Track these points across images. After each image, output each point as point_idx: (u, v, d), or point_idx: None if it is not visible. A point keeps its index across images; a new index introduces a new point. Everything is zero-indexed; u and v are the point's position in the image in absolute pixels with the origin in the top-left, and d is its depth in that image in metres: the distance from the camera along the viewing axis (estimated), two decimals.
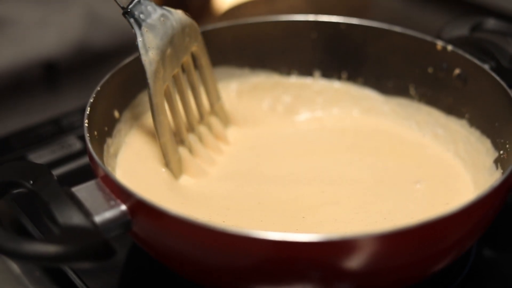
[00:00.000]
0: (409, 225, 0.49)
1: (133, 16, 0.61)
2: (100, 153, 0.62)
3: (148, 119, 0.68)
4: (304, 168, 0.69)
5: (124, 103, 0.68)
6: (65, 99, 0.94)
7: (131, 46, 0.62)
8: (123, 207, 0.53)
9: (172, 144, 0.65)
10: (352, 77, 0.77)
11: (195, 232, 0.50)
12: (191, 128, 0.69)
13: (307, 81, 0.78)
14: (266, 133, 0.74)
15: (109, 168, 0.62)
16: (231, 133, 0.73)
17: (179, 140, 0.67)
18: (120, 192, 0.53)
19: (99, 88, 0.63)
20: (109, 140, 0.65)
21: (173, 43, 0.63)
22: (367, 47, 0.75)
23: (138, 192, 0.52)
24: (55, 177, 0.53)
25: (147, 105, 0.63)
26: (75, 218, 0.50)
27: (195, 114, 0.70)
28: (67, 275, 0.62)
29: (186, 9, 0.66)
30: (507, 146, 0.63)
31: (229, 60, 0.77)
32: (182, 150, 0.67)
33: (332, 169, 0.68)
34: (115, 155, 0.65)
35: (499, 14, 0.99)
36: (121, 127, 0.67)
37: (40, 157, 0.76)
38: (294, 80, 0.78)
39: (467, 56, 0.68)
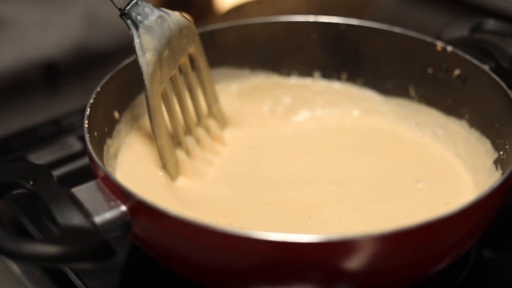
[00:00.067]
0: (409, 225, 0.49)
1: (130, 17, 0.61)
2: (100, 153, 0.62)
3: (148, 120, 0.68)
4: (306, 168, 0.69)
5: (124, 104, 0.68)
6: (65, 99, 0.94)
7: (131, 47, 0.62)
8: (123, 208, 0.53)
9: (169, 146, 0.65)
10: (352, 78, 0.77)
11: (195, 232, 0.50)
12: (188, 130, 0.69)
13: (307, 81, 0.78)
14: (266, 134, 0.74)
15: (109, 169, 0.62)
16: (230, 134, 0.73)
17: (177, 142, 0.67)
18: (120, 193, 0.53)
19: (99, 89, 0.63)
20: (109, 141, 0.65)
21: (170, 45, 0.63)
22: (367, 48, 0.75)
23: (139, 193, 0.52)
24: (55, 178, 0.53)
25: None
26: (75, 219, 0.50)
27: (193, 116, 0.70)
28: (67, 276, 0.62)
29: (187, 9, 0.66)
30: (507, 146, 0.63)
31: (229, 60, 0.77)
32: (180, 152, 0.67)
33: (334, 169, 0.69)
34: (115, 156, 0.65)
35: (499, 15, 0.99)
36: (121, 127, 0.67)
37: (40, 157, 0.76)
38: (294, 81, 0.78)
39: (467, 56, 0.68)
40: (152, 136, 0.64)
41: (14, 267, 0.64)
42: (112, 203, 0.53)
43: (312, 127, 0.76)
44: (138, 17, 0.61)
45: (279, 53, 0.77)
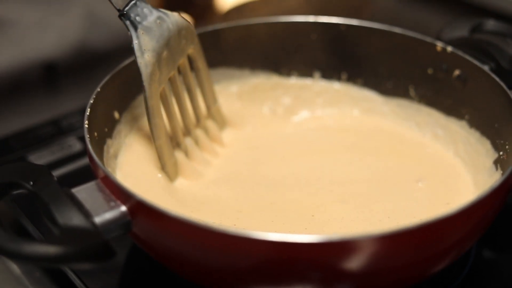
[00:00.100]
0: (409, 226, 0.49)
1: (129, 18, 0.61)
2: (100, 154, 0.62)
3: None
4: (306, 168, 0.69)
5: (124, 104, 0.68)
6: (65, 100, 0.94)
7: (131, 47, 0.62)
8: (123, 208, 0.53)
9: (168, 147, 0.65)
10: (352, 78, 0.77)
11: (195, 233, 0.50)
12: (187, 131, 0.69)
13: (307, 82, 0.78)
14: (266, 134, 0.74)
15: (109, 169, 0.62)
16: (230, 134, 0.73)
17: (176, 143, 0.67)
18: (120, 193, 0.53)
19: (99, 89, 0.63)
20: (109, 141, 0.65)
21: (169, 46, 0.63)
22: (367, 48, 0.75)
23: (139, 194, 0.52)
24: (55, 178, 0.53)
25: None
26: (75, 219, 0.50)
27: (192, 117, 0.70)
28: (67, 276, 0.62)
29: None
30: (507, 147, 0.63)
31: (229, 61, 0.77)
32: (179, 153, 0.67)
33: (335, 169, 0.69)
34: (115, 156, 0.65)
35: (499, 15, 0.99)
36: (121, 128, 0.67)
37: (40, 158, 0.76)
38: (294, 81, 0.78)
39: (467, 57, 0.68)
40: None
41: (14, 267, 0.64)
42: (112, 203, 0.53)
43: (312, 127, 0.76)
44: (137, 18, 0.61)
45: (279, 54, 0.77)
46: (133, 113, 0.69)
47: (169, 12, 0.64)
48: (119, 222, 0.53)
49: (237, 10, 1.13)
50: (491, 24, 0.74)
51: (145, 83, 0.61)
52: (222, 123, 0.73)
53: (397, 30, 0.73)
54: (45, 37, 0.91)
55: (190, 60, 0.69)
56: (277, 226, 0.61)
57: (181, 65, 0.67)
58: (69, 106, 0.85)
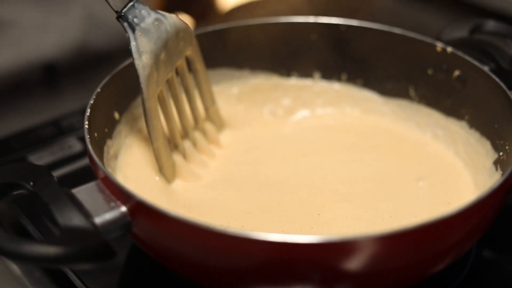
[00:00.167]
0: (409, 226, 0.49)
1: (127, 20, 0.61)
2: (100, 154, 0.62)
3: None
4: (308, 168, 0.69)
5: (124, 104, 0.68)
6: (65, 100, 0.94)
7: (129, 49, 0.62)
8: (123, 209, 0.53)
9: (165, 149, 0.64)
10: (352, 79, 0.78)
11: (195, 233, 0.50)
12: (185, 133, 0.69)
13: (307, 82, 0.78)
14: (266, 134, 0.74)
15: (109, 170, 0.62)
16: (230, 135, 0.73)
17: (173, 145, 0.67)
18: (120, 194, 0.53)
19: (99, 90, 0.63)
20: (109, 142, 0.65)
21: (167, 48, 0.63)
22: (367, 49, 0.75)
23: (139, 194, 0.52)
24: (55, 179, 0.54)
25: None
26: (75, 220, 0.50)
27: (190, 119, 0.70)
28: (67, 276, 0.62)
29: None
30: (507, 147, 0.63)
31: (229, 61, 0.77)
32: (176, 155, 0.67)
33: (337, 169, 0.69)
34: (115, 156, 0.65)
35: (498, 16, 0.99)
36: (121, 128, 0.67)
37: (40, 158, 0.76)
38: (294, 82, 0.78)
39: (467, 57, 0.68)
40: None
41: (14, 267, 0.64)
42: (112, 204, 0.53)
43: (312, 127, 0.76)
44: (135, 20, 0.61)
45: (279, 54, 0.77)
46: (133, 114, 0.69)
47: (167, 14, 0.63)
48: (119, 223, 0.53)
49: (237, 11, 1.13)
50: (491, 24, 0.74)
51: (143, 85, 0.61)
52: (220, 124, 0.73)
53: (397, 30, 0.73)
54: (45, 37, 0.91)
55: (188, 62, 0.69)
56: (284, 225, 0.61)
57: (179, 67, 0.67)
58: (69, 107, 0.85)
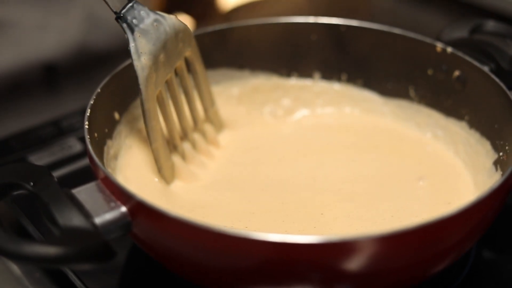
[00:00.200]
0: (409, 227, 0.49)
1: (125, 21, 0.61)
2: (100, 154, 0.62)
3: None
4: (312, 168, 0.69)
5: (125, 105, 0.68)
6: (65, 101, 0.94)
7: (128, 50, 0.62)
8: (123, 209, 0.53)
9: (164, 150, 0.64)
10: (352, 79, 0.78)
11: (195, 233, 0.50)
12: (184, 134, 0.69)
13: (307, 82, 0.78)
14: (266, 135, 0.74)
15: (109, 170, 0.62)
16: (230, 136, 0.73)
17: (172, 146, 0.67)
18: (120, 194, 0.53)
19: (99, 90, 0.63)
20: (109, 142, 0.65)
21: (166, 48, 0.63)
22: (367, 49, 0.76)
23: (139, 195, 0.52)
24: (55, 179, 0.54)
25: None
26: (75, 220, 0.50)
27: (189, 120, 0.70)
28: (67, 277, 0.62)
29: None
30: (507, 148, 0.63)
31: (229, 62, 0.77)
32: (176, 156, 0.67)
33: (339, 168, 0.69)
34: (116, 157, 0.65)
35: (498, 16, 0.99)
36: (121, 129, 0.67)
37: (40, 158, 0.76)
38: (294, 82, 0.78)
39: (467, 58, 0.68)
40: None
41: (14, 267, 0.64)
42: (112, 204, 0.53)
43: (312, 127, 0.76)
44: (134, 21, 0.61)
45: (279, 54, 0.77)
46: (133, 114, 0.69)
47: (166, 15, 0.63)
48: (119, 223, 0.53)
49: (237, 11, 1.13)
50: (491, 25, 0.74)
51: (142, 86, 0.61)
52: (219, 125, 0.73)
53: (397, 31, 0.73)
54: (45, 38, 0.91)
55: (188, 63, 0.69)
56: (288, 225, 0.61)
57: (178, 68, 0.67)
58: (69, 107, 0.85)
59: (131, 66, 0.66)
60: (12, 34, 0.89)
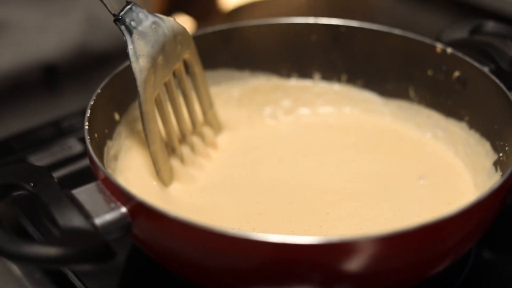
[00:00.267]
0: (408, 227, 0.49)
1: (124, 23, 0.61)
2: (101, 155, 0.62)
3: None
4: (314, 167, 0.69)
5: (125, 105, 0.68)
6: (65, 101, 0.94)
7: (126, 52, 0.61)
8: (123, 209, 0.53)
9: (162, 153, 0.64)
10: (352, 80, 0.78)
11: (195, 234, 0.50)
12: (183, 137, 0.69)
13: (307, 83, 0.78)
14: (266, 135, 0.75)
15: (110, 171, 0.62)
16: (230, 137, 0.73)
17: (171, 149, 0.67)
18: (120, 195, 0.53)
19: (99, 91, 0.63)
20: (109, 143, 0.65)
21: (164, 51, 0.63)
22: (367, 50, 0.76)
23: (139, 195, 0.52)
24: (56, 179, 0.54)
25: None
26: (75, 220, 0.50)
27: (187, 123, 0.70)
28: (67, 277, 0.62)
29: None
30: (507, 148, 0.63)
31: (229, 62, 0.77)
32: (174, 159, 0.67)
33: (341, 167, 0.69)
34: (116, 157, 0.65)
35: (498, 17, 0.99)
36: (121, 129, 0.67)
37: (41, 159, 0.76)
38: (294, 83, 0.78)
39: (467, 58, 0.68)
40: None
41: (15, 268, 0.64)
42: (113, 205, 0.53)
43: (312, 127, 0.76)
44: (132, 23, 0.61)
45: (279, 55, 0.77)
46: (133, 115, 0.69)
47: (164, 17, 0.63)
48: (119, 224, 0.53)
49: (237, 12, 1.13)
50: (490, 25, 0.74)
51: (140, 88, 0.61)
52: (218, 128, 0.73)
53: (397, 31, 0.73)
54: (45, 39, 0.91)
55: (186, 65, 0.68)
56: (294, 225, 0.61)
57: (176, 70, 0.67)
58: (69, 108, 0.85)
59: (130, 67, 0.66)
60: (13, 35, 0.89)
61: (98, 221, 0.52)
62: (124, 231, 0.54)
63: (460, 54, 0.69)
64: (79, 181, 0.56)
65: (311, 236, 0.49)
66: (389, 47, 0.74)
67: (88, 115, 0.60)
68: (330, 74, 0.78)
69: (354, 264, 0.50)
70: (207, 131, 0.72)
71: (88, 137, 0.58)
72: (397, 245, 0.50)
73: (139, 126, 0.69)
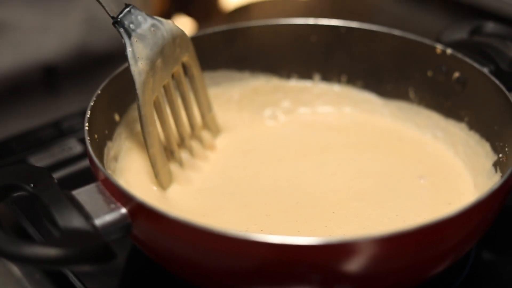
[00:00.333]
0: (408, 228, 0.49)
1: (123, 26, 0.61)
2: (101, 156, 0.62)
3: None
4: (317, 167, 0.69)
5: (125, 106, 0.68)
6: (65, 102, 0.94)
7: (125, 55, 0.61)
8: (123, 210, 0.53)
9: (161, 156, 0.64)
10: (352, 80, 0.78)
11: (195, 235, 0.50)
12: (181, 141, 0.69)
13: (307, 84, 0.79)
14: (266, 136, 0.75)
15: (110, 172, 0.62)
16: (230, 138, 0.73)
17: (170, 152, 0.67)
18: (120, 195, 0.53)
19: (99, 92, 0.63)
20: (109, 143, 0.65)
21: (163, 54, 0.63)
22: (367, 50, 0.76)
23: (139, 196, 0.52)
24: (56, 180, 0.54)
25: None
26: (76, 221, 0.50)
27: (186, 126, 0.70)
28: (68, 278, 0.62)
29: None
30: (506, 149, 0.63)
31: (229, 63, 0.77)
32: (173, 163, 0.67)
33: (342, 167, 0.69)
34: (116, 158, 0.65)
35: (498, 18, 0.99)
36: (121, 130, 0.67)
37: (41, 160, 0.76)
38: (294, 83, 0.78)
39: (467, 59, 0.68)
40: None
41: (15, 269, 0.64)
42: (113, 206, 0.53)
43: (312, 127, 0.76)
44: (131, 26, 0.61)
45: (279, 56, 0.78)
46: (133, 116, 0.69)
47: (163, 20, 0.63)
48: (119, 224, 0.53)
49: (238, 13, 1.13)
50: (490, 26, 0.74)
51: (139, 91, 0.61)
52: (216, 132, 0.73)
53: (396, 32, 0.73)
54: (45, 40, 0.91)
55: (185, 68, 0.68)
56: (300, 225, 0.61)
57: (175, 73, 0.67)
58: (69, 109, 0.85)
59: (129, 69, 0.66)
60: (13, 36, 0.89)
61: (98, 222, 0.52)
62: (124, 232, 0.54)
63: (460, 55, 0.69)
64: (79, 182, 0.56)
65: (310, 237, 0.49)
66: (389, 48, 0.74)
67: (88, 116, 0.60)
68: (330, 75, 0.78)
69: (353, 265, 0.51)
70: (205, 134, 0.71)
71: (88, 138, 0.58)
72: (397, 246, 0.50)
73: (139, 127, 0.69)
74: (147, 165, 0.65)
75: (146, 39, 0.61)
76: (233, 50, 0.76)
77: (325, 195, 0.65)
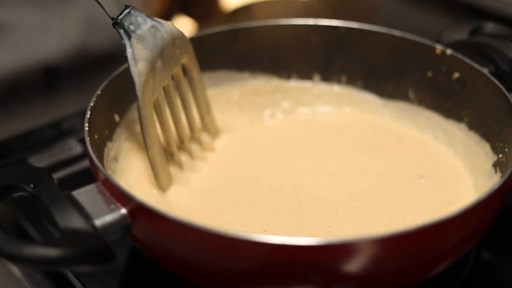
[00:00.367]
0: (407, 228, 0.49)
1: (122, 27, 0.61)
2: (101, 156, 0.62)
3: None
4: (318, 167, 0.69)
5: (125, 107, 0.68)
6: (65, 102, 0.94)
7: (124, 56, 0.61)
8: (123, 211, 0.53)
9: (161, 157, 0.64)
10: (352, 81, 0.78)
11: (195, 235, 0.50)
12: (181, 143, 0.69)
13: (307, 84, 0.79)
14: (266, 136, 0.75)
15: (110, 172, 0.62)
16: (229, 138, 0.73)
17: (169, 153, 0.67)
18: (120, 196, 0.53)
19: (99, 92, 0.63)
20: (109, 144, 0.65)
21: (163, 55, 0.63)
22: (367, 51, 0.76)
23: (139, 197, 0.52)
24: (56, 181, 0.54)
25: None
26: (76, 222, 0.50)
27: (185, 127, 0.70)
28: (68, 278, 0.62)
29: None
30: (506, 149, 0.63)
31: (229, 64, 0.77)
32: (172, 164, 0.67)
33: (343, 167, 0.69)
34: (116, 159, 0.65)
35: (498, 18, 0.99)
36: (121, 131, 0.67)
37: (41, 160, 0.76)
38: (294, 84, 0.78)
39: (466, 60, 0.68)
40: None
41: (15, 269, 0.64)
42: (112, 206, 0.53)
43: (312, 128, 0.76)
44: (131, 27, 0.61)
45: (279, 56, 0.78)
46: (133, 116, 0.69)
47: (163, 21, 0.63)
48: (119, 225, 0.53)
49: (238, 13, 1.13)
50: (490, 27, 0.74)
51: (138, 92, 0.61)
52: (215, 134, 0.73)
53: (396, 33, 0.73)
54: (45, 40, 0.91)
55: (185, 70, 0.68)
56: (303, 225, 0.61)
57: (175, 75, 0.67)
58: (69, 109, 0.85)
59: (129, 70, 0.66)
60: (13, 36, 0.89)
61: (98, 222, 0.52)
62: (124, 232, 0.54)
63: (459, 55, 0.69)
64: (79, 182, 0.56)
65: (310, 238, 0.49)
66: (389, 48, 0.74)
67: (88, 116, 0.60)
68: (330, 75, 0.78)
69: (354, 265, 0.51)
70: (204, 136, 0.71)
71: (88, 138, 0.58)
72: (397, 246, 0.50)
73: (139, 128, 0.69)
74: (147, 166, 0.65)
75: (146, 40, 0.61)
76: (233, 50, 0.76)
77: (327, 195, 0.65)
